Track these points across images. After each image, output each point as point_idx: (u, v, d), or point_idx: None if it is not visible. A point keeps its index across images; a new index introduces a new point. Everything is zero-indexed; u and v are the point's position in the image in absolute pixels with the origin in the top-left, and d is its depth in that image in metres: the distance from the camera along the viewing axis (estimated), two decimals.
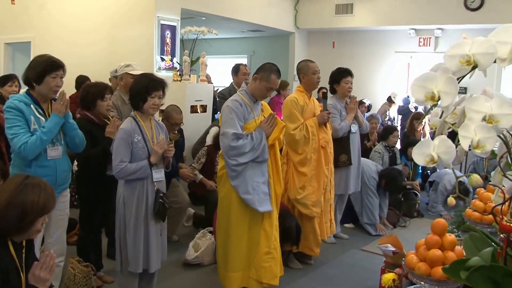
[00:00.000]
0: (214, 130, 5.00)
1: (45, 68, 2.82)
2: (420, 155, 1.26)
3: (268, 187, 3.26)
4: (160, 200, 2.93)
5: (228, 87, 5.40)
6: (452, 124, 1.41)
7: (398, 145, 6.20)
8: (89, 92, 3.44)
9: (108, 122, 3.42)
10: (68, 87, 5.73)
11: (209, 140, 4.98)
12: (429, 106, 1.33)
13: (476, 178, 1.26)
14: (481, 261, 1.34)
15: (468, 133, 1.21)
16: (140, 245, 2.89)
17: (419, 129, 6.28)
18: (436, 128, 1.34)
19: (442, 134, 1.29)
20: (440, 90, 1.24)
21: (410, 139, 6.18)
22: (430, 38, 8.42)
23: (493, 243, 1.60)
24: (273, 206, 3.31)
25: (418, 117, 6.32)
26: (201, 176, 4.71)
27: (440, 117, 1.33)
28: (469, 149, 1.24)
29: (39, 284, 1.90)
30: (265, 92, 3.25)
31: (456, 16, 7.58)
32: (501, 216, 1.37)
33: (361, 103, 5.41)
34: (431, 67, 1.33)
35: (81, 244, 3.60)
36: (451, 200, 1.26)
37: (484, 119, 1.21)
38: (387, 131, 5.86)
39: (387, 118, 7.84)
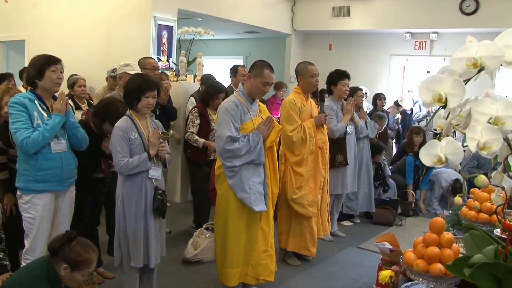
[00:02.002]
0: (191, 99, 5.22)
1: (44, 63, 2.91)
2: (427, 156, 1.29)
3: (265, 188, 3.32)
4: (159, 197, 2.97)
5: (226, 88, 5.43)
6: (456, 125, 1.44)
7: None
8: (106, 112, 3.38)
9: (108, 136, 3.42)
10: (63, 86, 5.75)
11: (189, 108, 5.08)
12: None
13: (482, 178, 1.29)
14: (484, 258, 1.37)
15: (475, 135, 1.24)
16: (140, 240, 2.94)
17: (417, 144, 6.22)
18: (442, 129, 1.38)
19: (448, 136, 1.32)
20: (447, 92, 1.28)
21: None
22: (425, 41, 8.49)
23: (493, 241, 1.63)
24: (270, 206, 3.37)
25: (418, 131, 6.25)
26: (203, 140, 4.66)
27: (446, 119, 1.36)
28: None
29: None
30: (262, 88, 3.28)
31: (452, 20, 7.65)
32: (503, 215, 1.40)
33: (358, 89, 5.43)
34: (438, 70, 1.36)
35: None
36: (458, 199, 1.29)
37: (489, 121, 1.24)
38: (376, 150, 5.70)
39: (395, 122, 7.79)
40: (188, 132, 4.70)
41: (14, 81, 5.02)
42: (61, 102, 2.95)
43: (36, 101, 2.91)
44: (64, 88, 5.67)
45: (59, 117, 2.92)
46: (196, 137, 4.67)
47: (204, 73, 6.17)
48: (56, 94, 3.04)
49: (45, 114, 2.92)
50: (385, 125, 6.69)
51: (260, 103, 3.51)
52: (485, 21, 7.34)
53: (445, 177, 5.98)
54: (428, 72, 8.40)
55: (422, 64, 8.56)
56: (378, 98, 7.33)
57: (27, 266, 2.27)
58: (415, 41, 8.61)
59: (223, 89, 4.78)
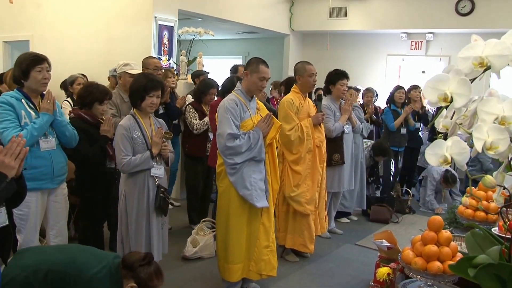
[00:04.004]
0: (188, 97, 5.30)
1: (29, 63, 2.91)
2: (433, 156, 1.30)
3: (266, 184, 3.36)
4: (161, 195, 3.00)
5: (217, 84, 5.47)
6: (460, 124, 1.46)
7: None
8: (90, 93, 3.47)
9: (102, 121, 3.49)
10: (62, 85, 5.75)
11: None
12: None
13: (489, 179, 1.30)
14: (488, 259, 1.38)
15: (482, 135, 1.24)
16: (142, 237, 2.98)
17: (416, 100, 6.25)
18: (447, 129, 1.39)
19: (453, 135, 1.33)
20: (452, 91, 1.28)
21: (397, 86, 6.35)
22: (421, 42, 8.54)
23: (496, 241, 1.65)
24: (270, 202, 3.41)
25: (416, 86, 6.34)
26: (207, 117, 4.71)
27: (451, 118, 1.37)
28: None
29: (3, 170, 1.78)
30: (259, 83, 3.31)
31: (447, 21, 7.70)
32: (506, 215, 1.41)
33: (350, 88, 5.50)
34: (443, 69, 1.37)
35: (82, 237, 3.63)
36: (465, 199, 1.30)
37: (495, 121, 1.25)
38: (382, 152, 5.69)
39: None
40: (194, 127, 4.72)
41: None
42: (48, 101, 2.96)
43: (23, 100, 2.91)
44: (62, 87, 5.73)
45: (47, 116, 2.93)
46: (201, 121, 4.70)
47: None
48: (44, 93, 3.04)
49: (32, 113, 2.93)
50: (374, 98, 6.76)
51: (259, 102, 3.55)
52: (481, 21, 7.39)
53: (436, 169, 6.00)
54: (423, 72, 8.47)
55: (418, 64, 8.61)
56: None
57: (101, 261, 2.24)
58: (411, 41, 8.67)
59: (214, 84, 4.84)
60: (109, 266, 2.22)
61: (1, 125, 2.81)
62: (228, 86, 4.34)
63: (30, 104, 2.94)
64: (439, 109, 1.48)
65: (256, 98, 3.50)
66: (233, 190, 3.25)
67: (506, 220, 1.41)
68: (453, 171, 5.94)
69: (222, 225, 3.36)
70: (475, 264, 1.39)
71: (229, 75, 4.64)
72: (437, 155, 1.31)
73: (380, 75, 9.05)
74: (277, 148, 3.69)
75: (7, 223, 1.85)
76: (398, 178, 6.29)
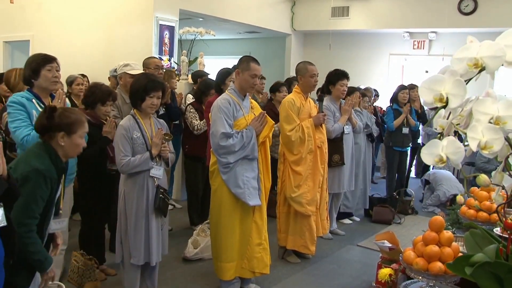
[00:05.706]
0: (188, 96, 5.40)
1: (39, 62, 2.96)
2: (429, 155, 1.30)
3: (258, 182, 3.38)
4: (161, 195, 3.00)
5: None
6: (456, 125, 1.46)
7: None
8: (93, 93, 3.49)
9: (104, 122, 3.50)
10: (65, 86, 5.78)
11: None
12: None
13: (484, 178, 1.30)
14: (485, 257, 1.38)
15: (476, 135, 1.24)
16: (141, 238, 2.98)
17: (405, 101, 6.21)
18: (443, 129, 1.38)
19: (449, 135, 1.33)
20: (448, 92, 1.29)
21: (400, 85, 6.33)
22: (424, 41, 8.53)
23: (494, 240, 1.64)
24: (263, 200, 3.44)
25: (411, 86, 6.30)
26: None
27: (447, 119, 1.37)
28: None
29: None
30: (251, 81, 3.32)
31: (450, 20, 7.68)
32: (503, 214, 1.41)
33: (354, 89, 5.47)
34: (439, 70, 1.37)
35: (83, 238, 3.64)
36: (460, 198, 1.30)
37: (491, 120, 1.25)
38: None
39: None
40: (195, 127, 4.74)
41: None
42: (59, 101, 2.99)
43: (34, 100, 2.95)
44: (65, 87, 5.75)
45: None
46: (201, 121, 4.72)
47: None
48: (54, 93, 3.07)
49: None
50: (373, 97, 6.87)
51: (253, 101, 3.56)
52: (484, 21, 7.37)
53: (444, 190, 5.98)
54: (427, 71, 8.45)
55: (421, 63, 8.59)
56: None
57: (26, 153, 2.24)
58: (414, 41, 8.66)
59: (214, 84, 4.83)
60: (27, 148, 2.25)
61: (13, 124, 2.85)
62: (222, 77, 4.37)
63: (41, 104, 2.97)
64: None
65: (250, 97, 3.51)
66: (225, 188, 3.28)
67: (503, 219, 1.41)
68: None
69: (214, 223, 3.40)
70: (472, 262, 1.39)
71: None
72: (432, 155, 1.31)
73: (382, 75, 9.04)
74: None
75: (6, 223, 1.84)
76: (396, 178, 6.29)
